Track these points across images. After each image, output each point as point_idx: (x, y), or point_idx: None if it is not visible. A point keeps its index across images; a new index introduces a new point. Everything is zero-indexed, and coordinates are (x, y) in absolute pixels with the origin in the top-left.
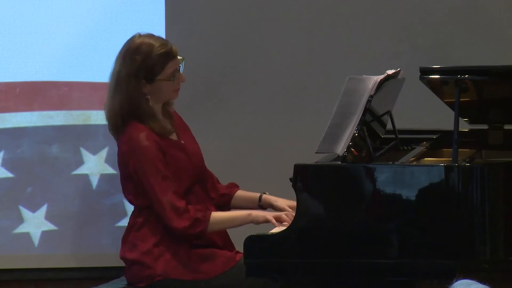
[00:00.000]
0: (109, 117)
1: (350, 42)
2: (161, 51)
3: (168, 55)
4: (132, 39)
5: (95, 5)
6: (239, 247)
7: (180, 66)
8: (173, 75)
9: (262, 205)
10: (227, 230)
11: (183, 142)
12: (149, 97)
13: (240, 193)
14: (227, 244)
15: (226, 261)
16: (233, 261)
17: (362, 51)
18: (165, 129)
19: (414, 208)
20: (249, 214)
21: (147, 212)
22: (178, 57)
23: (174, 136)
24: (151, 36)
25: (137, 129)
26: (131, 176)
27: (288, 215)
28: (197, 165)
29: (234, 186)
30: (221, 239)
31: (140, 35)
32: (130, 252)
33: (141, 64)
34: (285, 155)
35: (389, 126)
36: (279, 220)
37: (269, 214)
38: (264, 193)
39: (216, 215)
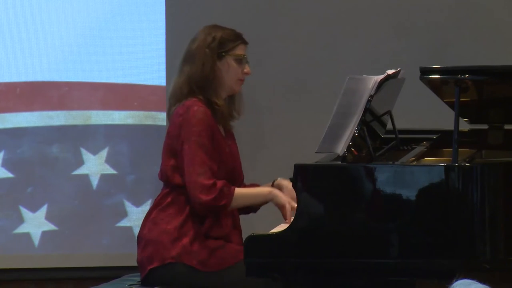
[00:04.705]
0: (173, 92)
1: (350, 42)
2: (235, 32)
3: (240, 38)
4: (204, 26)
5: (95, 5)
6: None
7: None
8: (241, 59)
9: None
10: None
11: (229, 143)
12: (217, 73)
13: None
14: (241, 240)
15: (236, 254)
16: (242, 254)
17: (362, 51)
18: (222, 114)
19: (414, 208)
20: (270, 192)
21: (176, 193)
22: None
23: (222, 132)
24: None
25: (196, 104)
26: (176, 151)
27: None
28: (235, 166)
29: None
30: (237, 234)
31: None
32: (149, 231)
33: (215, 38)
34: (285, 155)
35: (389, 126)
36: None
37: (287, 201)
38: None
39: (239, 190)
